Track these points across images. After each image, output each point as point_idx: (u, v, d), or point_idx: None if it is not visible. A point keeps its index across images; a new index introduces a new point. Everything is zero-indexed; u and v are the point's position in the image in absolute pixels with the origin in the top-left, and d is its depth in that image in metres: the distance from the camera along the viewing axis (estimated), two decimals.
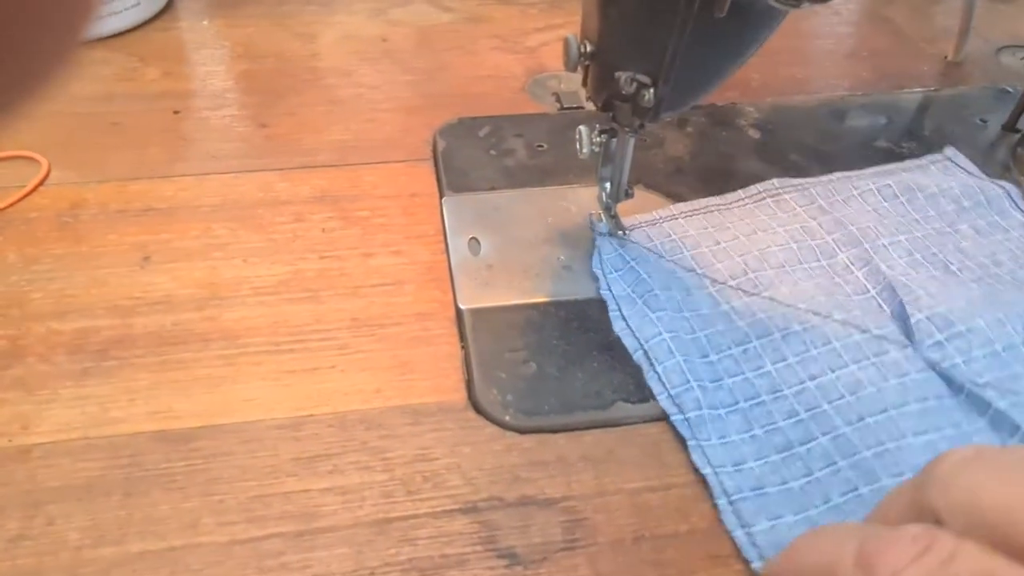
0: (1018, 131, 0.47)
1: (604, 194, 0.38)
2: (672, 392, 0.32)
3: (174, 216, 0.40)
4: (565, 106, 0.48)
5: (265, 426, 0.31)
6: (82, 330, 0.34)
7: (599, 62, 0.32)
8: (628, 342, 0.34)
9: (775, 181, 0.41)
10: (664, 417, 0.31)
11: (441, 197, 0.41)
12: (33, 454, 0.30)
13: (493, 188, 0.42)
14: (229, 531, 0.28)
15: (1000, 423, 0.30)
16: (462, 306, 0.35)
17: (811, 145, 0.46)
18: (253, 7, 0.57)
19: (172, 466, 0.29)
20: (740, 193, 0.40)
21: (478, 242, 0.39)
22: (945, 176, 0.42)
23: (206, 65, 0.51)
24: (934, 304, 0.33)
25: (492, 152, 0.44)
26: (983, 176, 0.42)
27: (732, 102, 0.49)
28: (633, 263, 0.37)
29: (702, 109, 0.48)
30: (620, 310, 0.35)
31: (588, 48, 0.32)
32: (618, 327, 0.35)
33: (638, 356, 0.33)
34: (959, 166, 0.43)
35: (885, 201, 0.40)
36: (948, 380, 0.31)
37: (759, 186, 0.41)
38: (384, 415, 0.31)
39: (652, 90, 0.30)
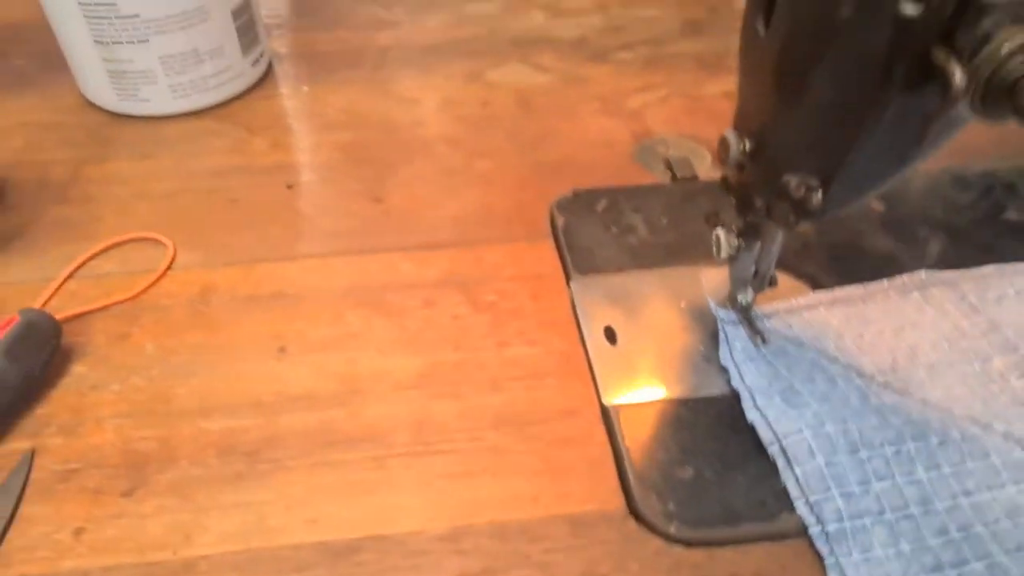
0: None
1: (740, 296, 0.37)
2: (811, 500, 0.30)
3: (304, 301, 0.40)
4: (678, 175, 0.48)
5: (426, 538, 0.30)
6: (230, 429, 0.34)
7: (761, 160, 0.31)
8: (763, 434, 0.33)
9: (922, 273, 0.39)
10: None
11: (568, 279, 0.41)
12: (199, 567, 0.29)
13: (620, 269, 0.41)
14: None
15: None
16: (606, 402, 0.35)
17: (939, 217, 0.44)
18: (350, 72, 0.57)
19: None
20: (884, 283, 0.39)
21: (613, 331, 0.38)
22: None
23: (312, 135, 0.52)
24: None
25: (613, 229, 0.44)
26: None
27: None
28: (769, 355, 0.36)
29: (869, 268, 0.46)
30: (754, 399, 0.34)
31: (748, 145, 0.31)
32: (752, 416, 0.33)
33: (773, 450, 0.32)
34: None
35: None
36: None
37: (905, 277, 0.39)
38: (544, 525, 0.31)
39: (820, 193, 0.30)
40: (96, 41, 0.48)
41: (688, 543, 0.30)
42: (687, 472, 0.32)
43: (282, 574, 0.29)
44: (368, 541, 0.30)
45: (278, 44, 0.61)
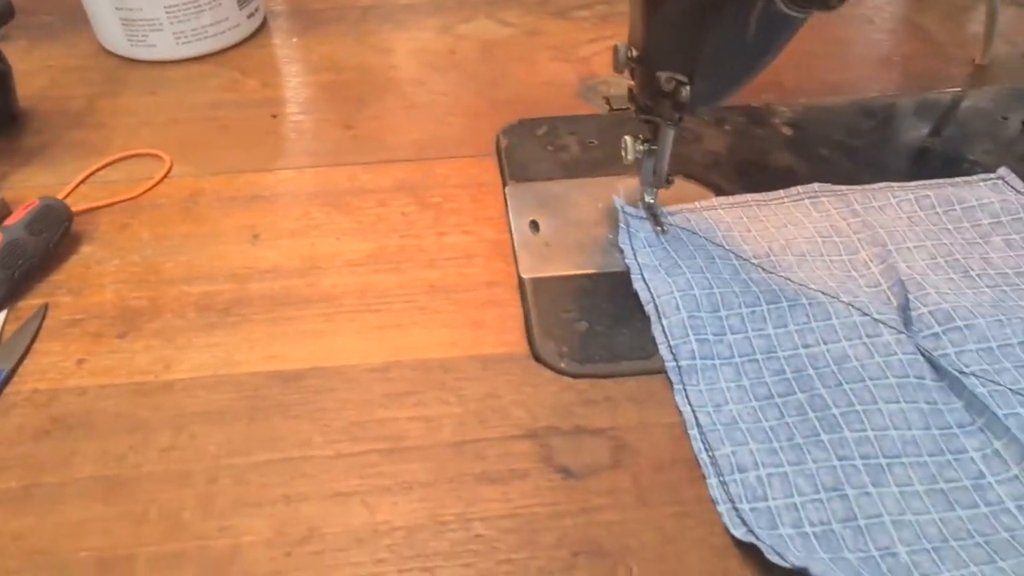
0: None
1: (646, 194, 0.43)
2: (672, 343, 0.37)
3: (277, 202, 0.47)
4: (614, 107, 0.54)
5: (360, 369, 0.37)
6: (207, 293, 0.41)
7: (643, 65, 0.37)
8: (642, 296, 0.39)
9: (816, 185, 0.45)
10: None
11: (504, 186, 0.47)
12: (175, 387, 0.36)
13: (550, 178, 0.48)
14: (335, 447, 0.34)
15: (973, 406, 0.33)
16: (524, 275, 0.41)
17: (839, 140, 0.50)
18: (335, 25, 0.65)
19: (287, 398, 0.36)
20: (781, 192, 0.45)
21: (537, 224, 0.44)
22: (990, 192, 0.44)
23: (297, 77, 0.59)
24: (940, 302, 0.37)
25: (549, 148, 0.50)
26: None
27: (767, 103, 0.53)
28: (666, 243, 0.42)
29: (739, 109, 0.53)
30: (642, 274, 0.40)
31: (634, 53, 0.38)
32: (637, 286, 0.39)
33: (649, 309, 0.38)
34: (1010, 185, 0.45)
35: (921, 211, 0.43)
36: (935, 366, 0.35)
37: (800, 188, 0.45)
38: (459, 362, 0.37)
39: (688, 87, 0.36)
40: None
41: (575, 375, 0.36)
42: (582, 326, 0.39)
43: (241, 392, 0.36)
44: (313, 371, 0.37)
45: (276, 2, 0.68)
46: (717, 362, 0.36)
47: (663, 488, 0.32)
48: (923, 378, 0.34)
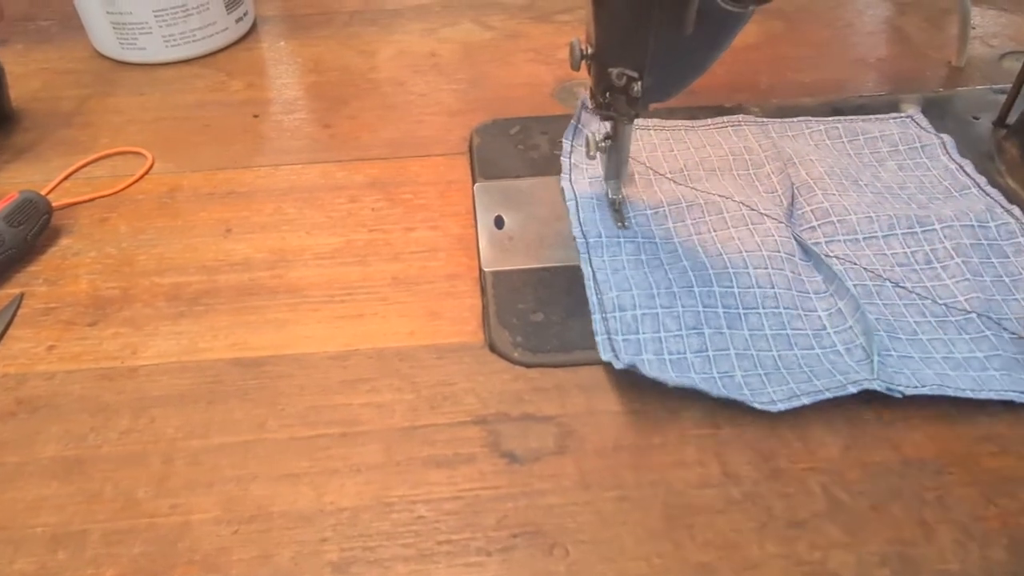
0: (1007, 126, 0.51)
1: (609, 190, 0.44)
2: (584, 229, 0.43)
3: (252, 198, 0.48)
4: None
5: (319, 357, 0.38)
6: (177, 283, 0.42)
7: (596, 61, 0.38)
8: (566, 194, 0.45)
9: (741, 116, 0.50)
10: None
11: (473, 183, 0.48)
12: (140, 372, 0.37)
13: (518, 176, 0.48)
14: (289, 431, 0.35)
15: (830, 280, 0.39)
16: (485, 269, 0.42)
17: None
18: (322, 29, 0.66)
19: (246, 383, 0.37)
20: (708, 120, 0.50)
21: (502, 219, 0.45)
22: (895, 126, 0.49)
23: (282, 78, 0.60)
24: (823, 202, 0.43)
25: (520, 147, 0.51)
26: (931, 130, 0.49)
27: (739, 103, 0.54)
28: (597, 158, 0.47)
29: (711, 109, 0.53)
30: (570, 176, 0.47)
31: (588, 50, 0.38)
32: (563, 184, 0.46)
33: (570, 206, 0.44)
34: (916, 122, 0.50)
35: (828, 139, 0.49)
36: (805, 249, 0.41)
37: (726, 117, 0.50)
38: (415, 351, 0.38)
39: (639, 83, 0.37)
40: None
41: (528, 364, 0.37)
42: (538, 317, 0.39)
43: (202, 378, 0.37)
44: (272, 359, 0.38)
45: (267, 8, 0.69)
46: (622, 240, 0.42)
47: (605, 472, 0.33)
48: (793, 255, 0.40)
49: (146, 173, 0.50)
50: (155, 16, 0.59)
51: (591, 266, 0.40)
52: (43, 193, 0.46)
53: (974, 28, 0.60)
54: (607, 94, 0.39)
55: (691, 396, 0.35)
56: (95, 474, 0.33)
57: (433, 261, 0.43)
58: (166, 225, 0.46)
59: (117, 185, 0.49)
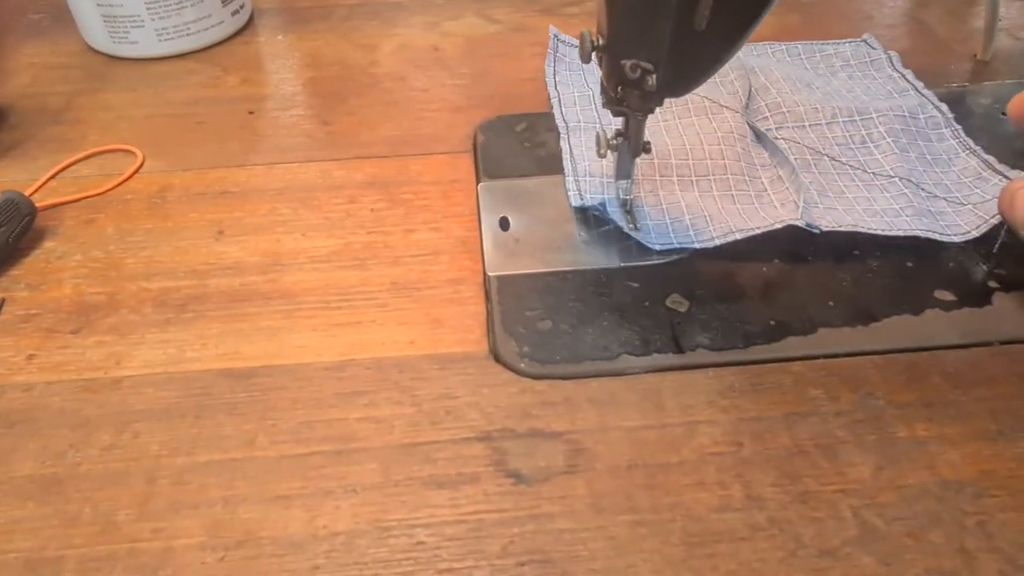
0: None
1: (620, 189, 0.42)
2: (566, 120, 0.48)
3: (245, 198, 0.46)
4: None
5: (314, 368, 0.36)
6: (165, 288, 0.40)
7: (609, 53, 0.36)
8: (551, 93, 0.52)
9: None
10: (665, 368, 0.35)
11: (477, 183, 0.46)
12: (123, 384, 0.35)
13: (524, 175, 0.46)
14: (280, 448, 0.32)
15: (775, 154, 0.44)
16: (490, 273, 0.40)
17: None
18: (322, 23, 0.64)
19: (235, 396, 0.34)
20: None
21: (508, 220, 0.43)
22: (850, 47, 0.55)
23: (279, 73, 0.58)
24: (776, 98, 0.48)
25: (526, 144, 0.49)
26: (880, 48, 0.55)
27: None
28: (583, 72, 0.54)
29: None
30: (556, 90, 0.52)
31: (600, 41, 0.36)
32: (550, 92, 0.52)
33: (553, 102, 0.51)
34: (869, 44, 0.55)
35: (788, 56, 0.55)
36: (756, 133, 0.46)
37: None
38: (415, 361, 0.36)
39: (654, 76, 0.34)
40: None
41: (535, 376, 0.35)
42: (546, 325, 0.37)
43: (189, 390, 0.35)
44: (264, 369, 0.36)
45: (265, 0, 0.67)
46: (596, 126, 0.47)
47: (618, 494, 0.30)
48: (744, 137, 0.45)
49: (135, 172, 0.48)
50: (147, 9, 0.57)
51: (568, 143, 0.46)
52: (27, 193, 0.44)
53: (1000, 20, 0.58)
54: (620, 88, 0.37)
55: (709, 410, 0.33)
56: (73, 495, 0.31)
57: (435, 265, 0.41)
58: (155, 227, 0.44)
59: (105, 184, 0.47)
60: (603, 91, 0.39)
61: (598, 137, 0.40)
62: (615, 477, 0.31)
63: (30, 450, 0.33)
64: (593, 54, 0.36)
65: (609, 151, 0.41)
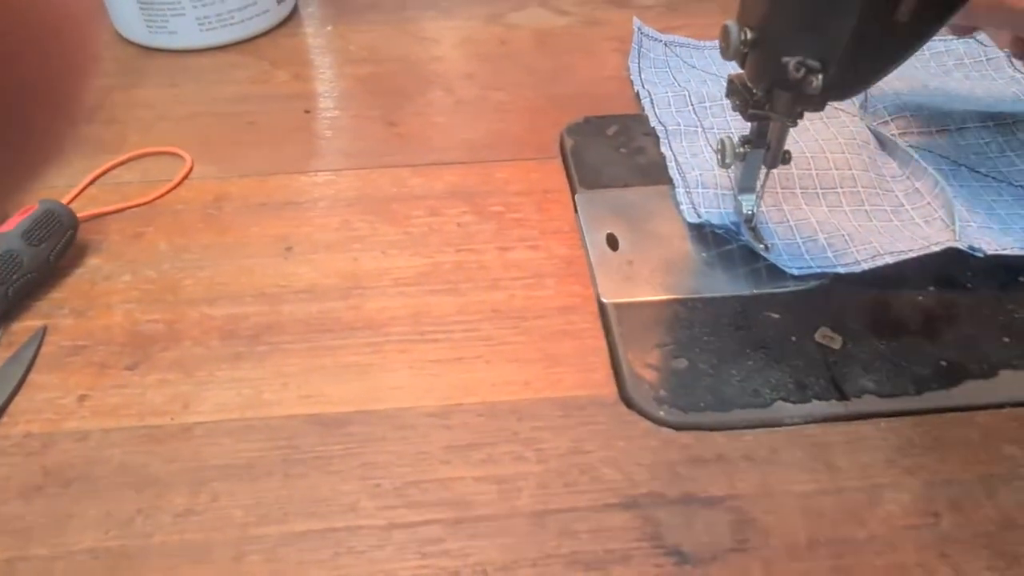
0: None
1: (744, 205, 0.37)
2: (660, 120, 0.44)
3: (313, 209, 0.41)
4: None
5: (415, 414, 0.31)
6: (232, 316, 0.35)
7: (762, 48, 0.31)
8: (637, 89, 0.48)
9: None
10: (829, 418, 0.30)
11: (574, 193, 0.41)
12: (195, 433, 0.30)
13: (626, 185, 0.41)
14: (387, 515, 0.27)
15: (907, 163, 0.40)
16: (605, 300, 0.35)
17: None
18: (374, 14, 0.58)
19: (328, 449, 0.29)
20: None
21: (615, 238, 0.38)
22: (959, 44, 0.51)
23: (332, 68, 0.53)
24: (895, 99, 0.44)
25: (622, 150, 0.44)
26: (994, 46, 0.50)
27: None
28: (667, 59, 0.51)
29: None
30: (647, 88, 0.47)
31: (749, 35, 0.31)
32: (641, 94, 0.47)
33: (645, 104, 0.46)
34: (980, 42, 0.51)
35: None
36: (880, 139, 0.42)
37: None
38: (534, 406, 0.31)
39: (821, 76, 0.29)
40: None
41: (678, 427, 0.30)
42: (681, 363, 0.32)
43: (273, 441, 0.30)
44: (358, 415, 0.31)
45: None
46: (698, 130, 0.43)
47: None
48: (868, 143, 0.41)
49: (185, 178, 0.43)
50: None
51: (671, 149, 0.42)
52: (65, 202, 0.39)
53: None
54: (771, 89, 0.32)
55: (891, 471, 0.28)
56: (146, 574, 0.26)
57: (540, 290, 0.36)
58: (213, 242, 0.39)
59: (151, 193, 0.42)
60: (734, 91, 0.34)
61: (723, 144, 0.35)
62: (795, 557, 0.26)
63: (90, 516, 0.27)
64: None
65: (736, 159, 0.36)
